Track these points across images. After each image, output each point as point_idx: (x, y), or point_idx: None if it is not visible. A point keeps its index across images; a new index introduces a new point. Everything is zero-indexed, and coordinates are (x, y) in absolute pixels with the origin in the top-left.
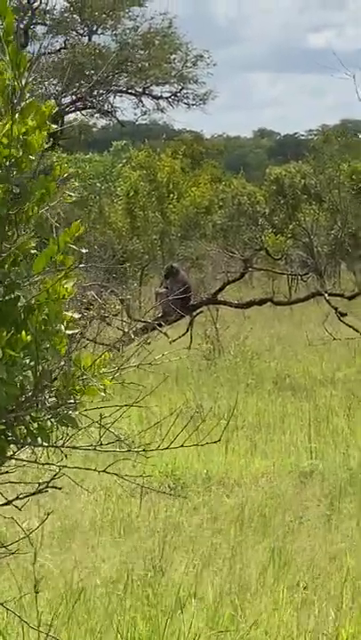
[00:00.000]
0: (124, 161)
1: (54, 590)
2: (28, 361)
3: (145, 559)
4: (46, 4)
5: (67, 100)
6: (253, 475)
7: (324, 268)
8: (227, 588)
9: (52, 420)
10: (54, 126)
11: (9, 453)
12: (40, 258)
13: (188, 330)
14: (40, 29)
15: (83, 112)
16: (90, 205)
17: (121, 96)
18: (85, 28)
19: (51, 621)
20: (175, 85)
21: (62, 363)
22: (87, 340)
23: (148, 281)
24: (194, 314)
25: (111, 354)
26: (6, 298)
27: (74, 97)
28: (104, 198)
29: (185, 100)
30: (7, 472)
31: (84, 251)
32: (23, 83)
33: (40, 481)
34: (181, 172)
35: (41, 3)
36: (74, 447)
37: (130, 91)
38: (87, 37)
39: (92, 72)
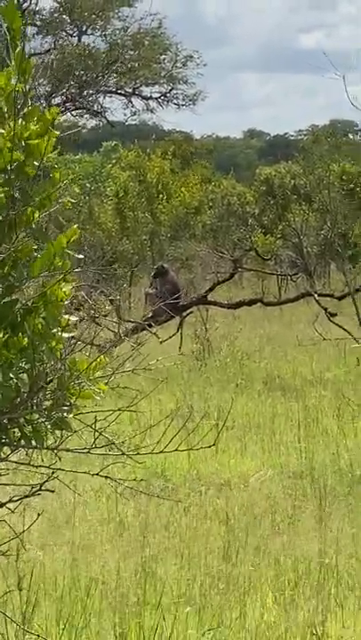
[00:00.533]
0: (114, 161)
1: (42, 590)
2: (23, 363)
3: (135, 559)
4: (36, 5)
5: (56, 100)
6: (243, 475)
7: (314, 269)
8: (216, 587)
9: (47, 422)
10: (57, 132)
11: (2, 455)
12: (38, 261)
13: (178, 330)
14: (30, 30)
15: (72, 113)
16: (80, 206)
17: (110, 96)
18: (75, 29)
19: (39, 620)
20: (165, 86)
21: (58, 365)
22: (80, 341)
23: (137, 281)
24: (184, 314)
25: (106, 358)
26: (4, 300)
27: (63, 97)
28: (94, 199)
29: (175, 101)
30: (0, 474)
31: (80, 256)
32: (27, 88)
33: (31, 483)
34: (171, 173)
35: (30, 3)
36: (67, 450)
37: (119, 91)
38: (77, 38)
39: (82, 72)
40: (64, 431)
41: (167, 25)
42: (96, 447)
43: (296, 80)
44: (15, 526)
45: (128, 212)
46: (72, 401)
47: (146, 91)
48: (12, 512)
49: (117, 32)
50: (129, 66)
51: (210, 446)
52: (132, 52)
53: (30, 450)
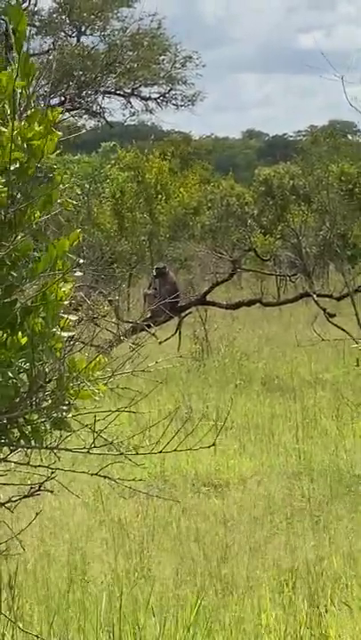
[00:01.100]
0: (113, 162)
1: (39, 590)
2: (23, 363)
3: (133, 560)
4: (35, 5)
5: (55, 101)
6: (242, 476)
7: (313, 269)
8: (214, 588)
9: (46, 422)
10: (60, 133)
11: (1, 456)
12: (39, 263)
13: (176, 331)
14: (29, 30)
15: (71, 113)
16: (78, 206)
17: (109, 97)
18: (74, 29)
19: (40, 620)
20: (164, 86)
21: (57, 365)
22: (79, 341)
23: (136, 282)
24: (182, 315)
25: (105, 358)
26: (4, 300)
27: (62, 98)
28: (92, 199)
29: (174, 101)
30: None
31: (81, 261)
32: (31, 90)
33: (29, 483)
34: (170, 173)
35: (29, 4)
36: (66, 449)
37: (118, 92)
38: (76, 38)
39: (81, 73)
40: (63, 431)
41: (166, 25)
42: (95, 447)
43: (295, 80)
44: (14, 526)
45: (126, 212)
46: (71, 401)
47: (145, 91)
48: (12, 512)
49: (116, 32)
50: (128, 66)
51: (209, 447)
52: (130, 53)
53: (29, 450)
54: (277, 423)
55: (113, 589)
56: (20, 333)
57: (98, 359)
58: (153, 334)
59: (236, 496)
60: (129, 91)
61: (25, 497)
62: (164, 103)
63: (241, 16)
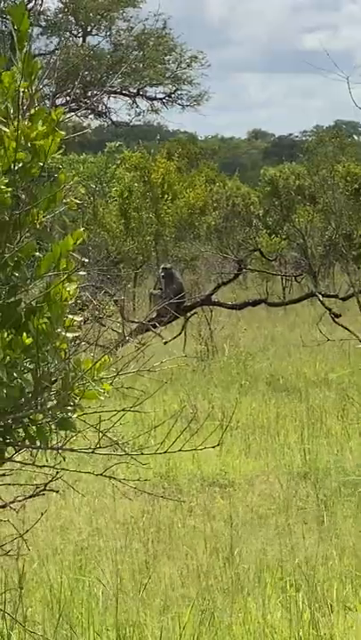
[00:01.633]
0: (118, 162)
1: (44, 590)
2: (28, 363)
3: (138, 560)
4: (40, 5)
5: (60, 100)
6: (247, 476)
7: (318, 269)
8: (220, 588)
9: (51, 422)
10: (63, 133)
11: (6, 456)
12: (43, 262)
13: (182, 331)
14: (34, 31)
15: (77, 113)
16: (84, 207)
17: (115, 97)
18: (80, 30)
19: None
20: (169, 86)
21: (62, 365)
22: (84, 342)
23: (142, 282)
24: (188, 315)
25: (110, 358)
26: (8, 300)
27: (68, 98)
28: (98, 199)
29: (179, 101)
30: (4, 474)
31: (85, 260)
32: (34, 89)
33: (35, 483)
34: (177, 173)
35: (35, 4)
36: (72, 450)
37: (124, 92)
38: (81, 38)
39: (87, 73)
40: (68, 431)
41: (171, 26)
42: (100, 447)
43: (300, 81)
44: (19, 526)
45: (132, 212)
46: (76, 401)
47: (150, 91)
48: (17, 512)
49: (122, 33)
50: (133, 66)
51: (214, 446)
52: (136, 53)
53: (34, 450)
54: (283, 423)
55: (118, 590)
56: (24, 334)
57: (103, 359)
58: (158, 334)
59: (241, 496)
60: (134, 91)
61: (30, 497)
62: (170, 103)
63: (245, 16)
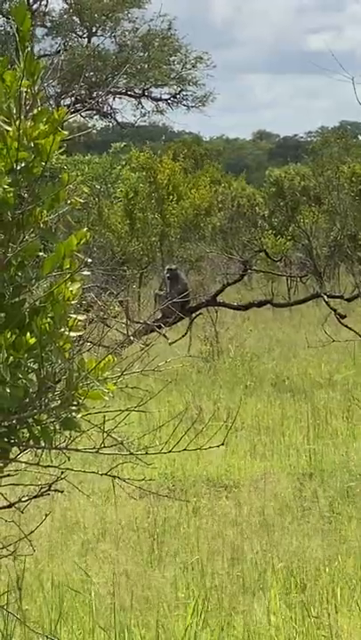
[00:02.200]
0: (123, 163)
1: (48, 590)
2: (32, 363)
3: (143, 560)
4: (45, 6)
5: (66, 101)
6: (252, 476)
7: (324, 270)
8: (224, 589)
9: (55, 422)
10: (65, 132)
11: (11, 456)
12: (47, 262)
13: (187, 332)
14: (39, 31)
15: (82, 114)
16: (89, 207)
17: (120, 98)
18: (85, 30)
19: (48, 619)
20: (174, 87)
21: (66, 365)
22: (88, 342)
23: (147, 283)
24: (193, 316)
25: (115, 358)
26: (12, 300)
27: (73, 99)
28: (103, 200)
29: (184, 102)
30: (9, 475)
31: (89, 260)
32: (36, 89)
33: (39, 483)
34: (183, 173)
35: (40, 4)
36: (76, 450)
37: (129, 92)
38: (86, 39)
39: (92, 74)
40: (73, 431)
41: (176, 27)
42: (105, 447)
43: (305, 81)
44: (24, 526)
45: (138, 213)
46: (81, 401)
47: (155, 92)
48: (22, 512)
49: (127, 33)
50: (138, 67)
51: (218, 446)
52: (141, 54)
53: (39, 450)
54: (288, 424)
55: (123, 590)
56: (28, 334)
57: (107, 359)
58: (164, 335)
59: (246, 497)
60: (140, 91)
61: (35, 497)
62: (175, 104)
63: (249, 17)
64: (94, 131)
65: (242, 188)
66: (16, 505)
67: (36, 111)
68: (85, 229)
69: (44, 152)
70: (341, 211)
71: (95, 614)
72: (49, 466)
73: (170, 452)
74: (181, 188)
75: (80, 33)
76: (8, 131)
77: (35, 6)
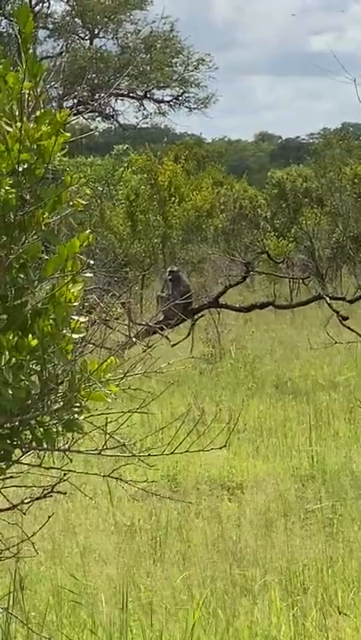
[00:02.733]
0: (125, 165)
1: (50, 591)
2: (34, 365)
3: (145, 562)
4: (48, 8)
5: (68, 103)
6: (255, 478)
7: (326, 272)
8: (226, 591)
9: (58, 424)
10: (67, 134)
11: (13, 458)
12: (50, 264)
13: (189, 333)
14: (42, 33)
15: (84, 116)
16: (91, 209)
17: (122, 99)
18: (87, 32)
19: (44, 620)
20: (177, 89)
21: (69, 367)
22: (90, 344)
23: (149, 284)
24: (195, 317)
25: (117, 360)
26: (14, 302)
27: (75, 100)
28: (105, 202)
29: (186, 104)
30: (11, 477)
31: (91, 262)
32: (38, 91)
33: (42, 485)
34: (185, 175)
35: (42, 6)
36: (78, 451)
37: (131, 94)
38: (89, 41)
39: (94, 76)
40: (75, 433)
41: (178, 28)
42: (107, 449)
43: (307, 83)
44: (26, 528)
45: (140, 215)
46: (83, 403)
47: (158, 94)
48: (24, 514)
49: (129, 35)
50: (141, 69)
51: (220, 448)
52: (143, 56)
53: (41, 452)
54: (290, 426)
55: (124, 591)
56: (30, 335)
57: (110, 361)
58: (166, 337)
59: (248, 498)
60: (142, 93)
61: (37, 499)
62: (177, 106)
63: (251, 19)
64: (96, 132)
65: (244, 190)
66: (18, 507)
67: (38, 113)
68: (88, 231)
69: (47, 154)
70: (344, 212)
71: (97, 616)
72: (51, 467)
73: (172, 453)
74: (183, 189)
75: (82, 35)
76: (10, 132)
77: (37, 8)
